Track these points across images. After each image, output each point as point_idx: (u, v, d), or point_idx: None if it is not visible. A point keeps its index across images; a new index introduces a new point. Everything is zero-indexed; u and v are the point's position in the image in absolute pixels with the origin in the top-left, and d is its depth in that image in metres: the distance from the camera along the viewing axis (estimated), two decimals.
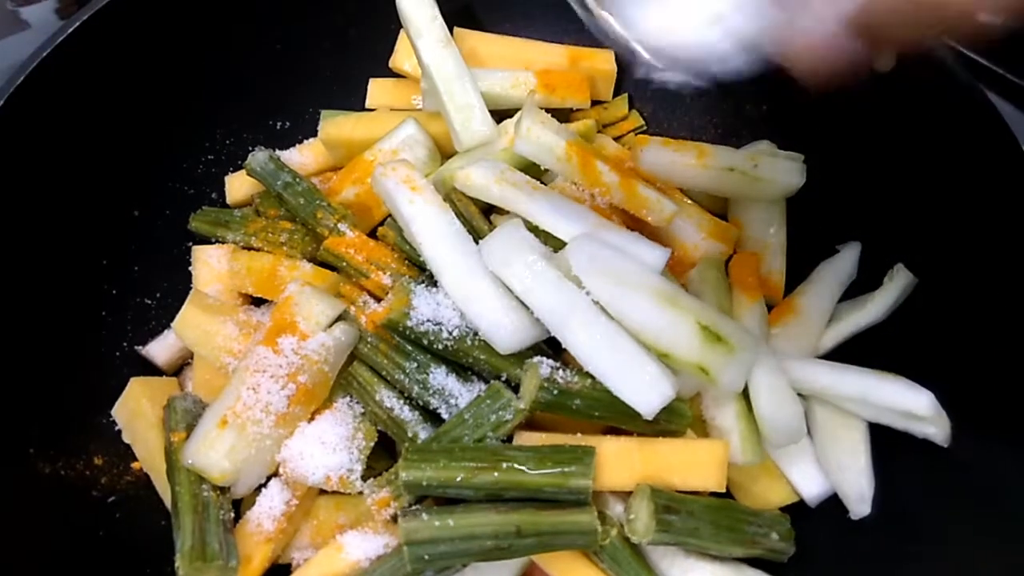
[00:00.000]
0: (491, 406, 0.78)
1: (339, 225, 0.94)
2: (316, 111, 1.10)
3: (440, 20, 0.97)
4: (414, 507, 0.76)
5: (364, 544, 0.81)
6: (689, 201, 1.01)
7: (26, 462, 0.84)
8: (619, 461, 0.78)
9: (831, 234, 0.97)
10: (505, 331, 0.78)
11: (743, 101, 1.07)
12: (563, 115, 1.05)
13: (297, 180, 0.97)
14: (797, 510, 0.87)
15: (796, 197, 0.97)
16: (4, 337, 0.85)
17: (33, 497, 0.83)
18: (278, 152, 1.03)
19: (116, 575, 0.84)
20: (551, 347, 0.83)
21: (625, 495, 0.81)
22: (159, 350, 0.98)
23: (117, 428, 0.92)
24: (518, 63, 1.07)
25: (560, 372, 0.78)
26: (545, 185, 0.93)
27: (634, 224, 0.93)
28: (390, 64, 1.10)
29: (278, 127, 1.12)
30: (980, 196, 0.82)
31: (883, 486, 0.85)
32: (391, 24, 1.02)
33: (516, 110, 0.96)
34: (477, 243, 0.82)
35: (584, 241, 0.78)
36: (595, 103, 1.12)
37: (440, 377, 0.83)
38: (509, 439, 0.80)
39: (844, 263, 0.95)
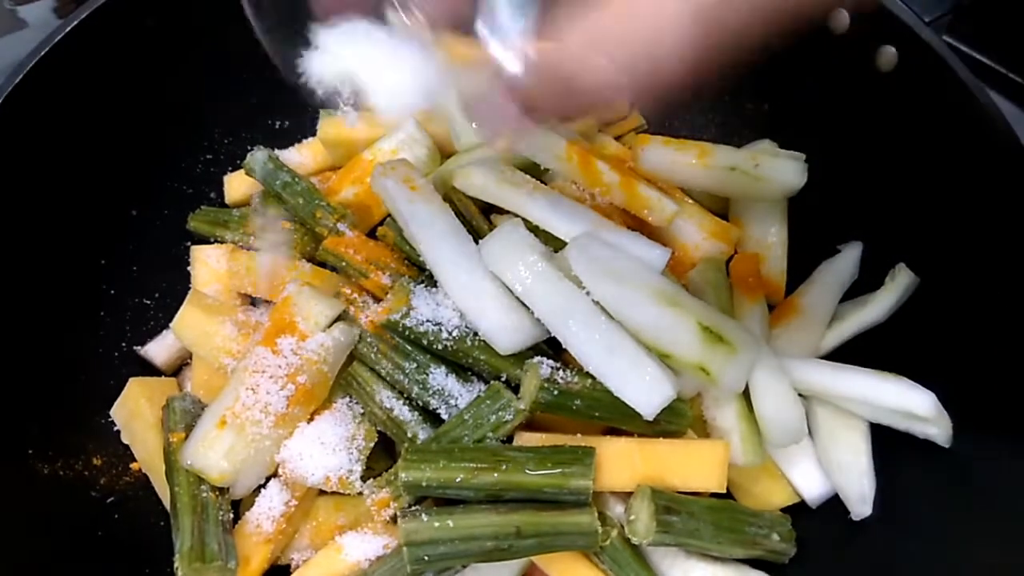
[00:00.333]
0: (491, 406, 0.78)
1: (338, 225, 0.93)
2: (315, 110, 1.10)
3: None
4: (414, 508, 0.76)
5: (364, 545, 0.81)
6: (690, 201, 1.01)
7: (24, 462, 0.83)
8: (619, 462, 0.78)
9: (832, 234, 0.97)
10: (505, 331, 0.78)
11: (744, 100, 1.07)
12: None
13: (296, 180, 0.97)
14: (798, 511, 0.87)
15: (797, 197, 0.97)
16: (2, 337, 0.85)
17: (31, 497, 0.83)
18: (277, 151, 1.03)
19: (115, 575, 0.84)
20: (551, 347, 0.83)
21: (625, 496, 0.80)
22: (158, 350, 0.98)
23: (116, 428, 0.92)
24: None
25: (560, 372, 0.78)
26: (545, 185, 0.93)
27: (635, 224, 0.93)
28: None
29: (277, 126, 1.12)
30: (982, 196, 0.81)
31: (884, 487, 0.85)
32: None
33: None
34: (477, 243, 0.82)
35: (584, 241, 0.78)
36: None
37: (440, 377, 0.83)
38: (509, 440, 0.80)
39: (846, 263, 0.95)
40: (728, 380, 0.77)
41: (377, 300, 0.91)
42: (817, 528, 0.86)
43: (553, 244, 0.84)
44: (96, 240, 0.96)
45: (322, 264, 0.94)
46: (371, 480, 0.83)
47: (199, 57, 1.01)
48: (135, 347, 0.98)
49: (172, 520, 0.80)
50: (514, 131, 0.58)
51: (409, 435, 0.82)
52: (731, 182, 0.96)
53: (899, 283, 0.89)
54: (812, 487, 0.88)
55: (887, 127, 0.90)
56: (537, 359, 0.79)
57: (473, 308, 0.80)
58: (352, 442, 0.83)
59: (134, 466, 0.91)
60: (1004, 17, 1.14)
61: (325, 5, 0.60)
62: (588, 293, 0.76)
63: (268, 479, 0.84)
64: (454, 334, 0.81)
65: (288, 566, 0.85)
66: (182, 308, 0.91)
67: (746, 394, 0.83)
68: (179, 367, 1.00)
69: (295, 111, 1.12)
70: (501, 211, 0.93)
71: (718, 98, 1.10)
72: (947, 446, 0.80)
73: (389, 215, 0.92)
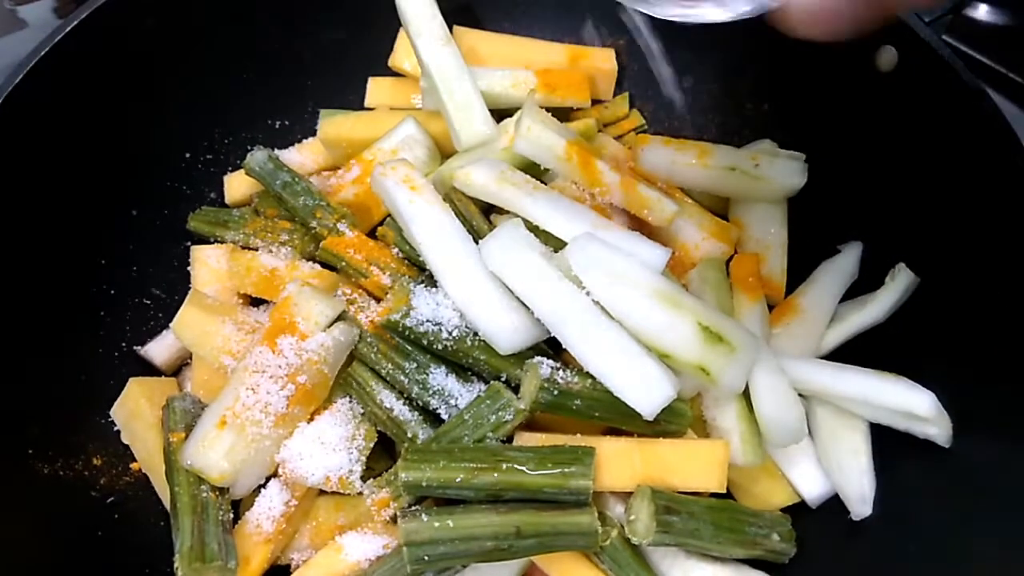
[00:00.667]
0: (491, 406, 0.78)
1: (338, 225, 0.93)
2: (315, 110, 1.10)
3: (440, 18, 0.96)
4: (414, 508, 0.76)
5: (364, 545, 0.81)
6: (690, 201, 1.01)
7: (25, 462, 0.83)
8: (619, 462, 0.78)
9: (832, 234, 0.97)
10: (505, 331, 0.78)
11: (744, 100, 1.07)
12: (563, 114, 1.05)
13: (296, 179, 0.97)
14: (798, 511, 0.87)
15: (797, 197, 0.97)
16: (2, 337, 0.85)
17: (32, 497, 0.83)
18: (277, 151, 1.03)
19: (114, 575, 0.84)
20: (551, 347, 0.83)
21: (625, 496, 0.80)
22: (158, 350, 0.98)
23: (116, 428, 0.92)
24: (518, 62, 1.06)
25: (560, 372, 0.78)
26: (545, 185, 0.93)
27: (635, 224, 0.93)
28: (389, 63, 1.09)
29: (277, 126, 1.12)
30: (982, 196, 0.81)
31: (884, 487, 0.85)
32: (390, 22, 1.01)
33: (516, 109, 0.96)
34: (477, 243, 0.82)
35: (584, 241, 0.78)
36: (595, 102, 1.12)
37: (440, 377, 0.83)
38: (509, 440, 0.80)
39: (846, 263, 0.95)
40: (728, 380, 0.77)
41: (377, 300, 0.91)
42: (817, 528, 0.86)
43: (553, 244, 0.84)
44: (96, 240, 0.96)
45: (322, 264, 0.94)
46: (371, 480, 0.83)
47: (199, 57, 1.01)
48: (135, 347, 0.98)
49: (172, 520, 0.80)
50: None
51: (409, 435, 0.82)
52: (731, 182, 0.96)
53: (899, 283, 0.89)
54: (812, 487, 0.88)
55: (887, 127, 0.90)
56: (537, 359, 0.79)
57: (473, 308, 0.80)
58: (352, 442, 0.83)
59: (134, 466, 0.91)
60: (1004, 16, 1.14)
61: None
62: (588, 293, 0.76)
63: (268, 479, 0.84)
64: (454, 334, 0.81)
65: (288, 566, 0.85)
66: (182, 308, 0.91)
67: (746, 394, 0.83)
68: (179, 367, 1.00)
69: (295, 111, 1.12)
70: (501, 211, 0.93)
71: (718, 98, 1.10)
72: (947, 446, 0.80)
73: (389, 215, 0.92)
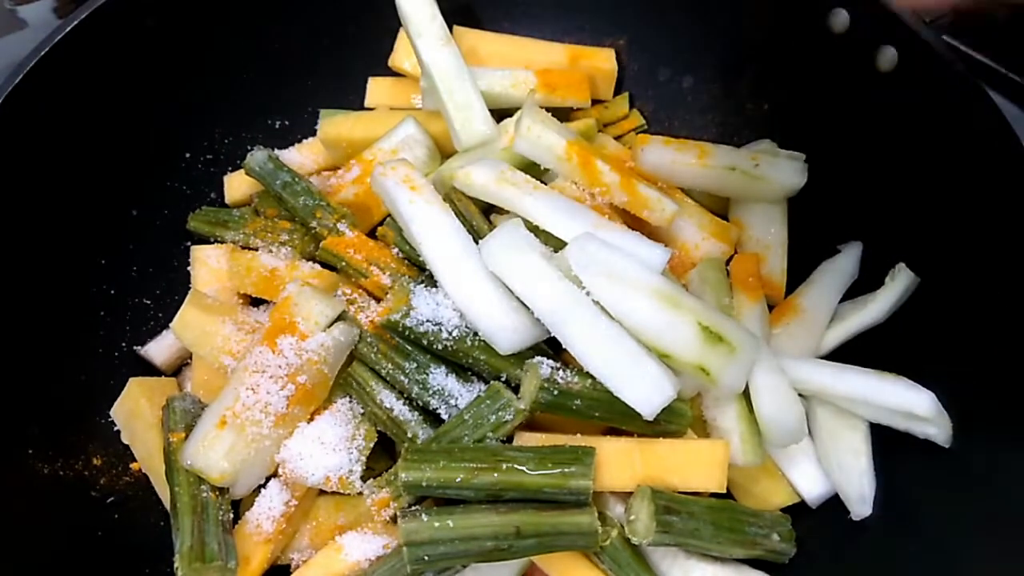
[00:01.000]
0: (491, 406, 0.78)
1: (338, 225, 0.93)
2: (315, 110, 1.10)
3: (440, 18, 0.96)
4: (414, 508, 0.76)
5: (364, 545, 0.81)
6: (690, 201, 1.01)
7: (25, 463, 0.83)
8: (619, 462, 0.78)
9: (832, 234, 0.97)
10: (505, 331, 0.78)
11: (744, 100, 1.07)
12: (563, 114, 1.05)
13: (296, 179, 0.97)
14: (798, 511, 0.87)
15: (797, 197, 0.97)
16: (2, 337, 0.85)
17: (32, 497, 0.83)
18: (277, 151, 1.03)
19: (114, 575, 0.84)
20: (551, 347, 0.83)
21: (625, 496, 0.81)
22: (158, 350, 0.98)
23: (116, 428, 0.92)
24: (518, 62, 1.06)
25: (560, 372, 0.78)
26: (545, 185, 0.93)
27: (635, 224, 0.93)
28: (389, 63, 1.10)
29: (277, 126, 1.12)
30: (982, 196, 0.82)
31: (884, 487, 0.85)
32: (390, 23, 1.01)
33: (516, 109, 0.96)
34: (477, 243, 0.82)
35: (584, 241, 0.78)
36: (595, 102, 1.12)
37: (440, 377, 0.83)
38: (509, 440, 0.80)
39: (845, 263, 0.95)
40: (728, 380, 0.77)
41: (377, 300, 0.91)
42: (817, 528, 0.87)
43: (553, 244, 0.84)
44: (96, 240, 0.96)
45: (322, 264, 0.94)
46: (371, 480, 0.83)
47: (199, 57, 1.01)
48: (135, 347, 0.98)
49: (172, 520, 0.80)
50: None
51: (409, 435, 0.82)
52: (731, 182, 0.96)
53: (899, 283, 0.89)
54: (812, 487, 0.88)
55: (887, 127, 0.90)
56: (537, 359, 0.79)
57: (473, 308, 0.80)
58: (352, 442, 0.83)
59: (134, 466, 0.91)
60: (1004, 16, 1.14)
61: None
62: (588, 293, 0.76)
63: (268, 479, 0.84)
64: (454, 334, 0.81)
65: (288, 566, 0.85)
66: (182, 308, 0.91)
67: (746, 394, 0.83)
68: (179, 367, 1.00)
69: (295, 111, 1.12)
70: (501, 211, 0.93)
71: (718, 98, 1.10)
72: (947, 446, 0.80)
73: (389, 215, 0.92)
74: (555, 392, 0.76)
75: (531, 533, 0.72)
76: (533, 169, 0.94)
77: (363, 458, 0.83)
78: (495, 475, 0.73)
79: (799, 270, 0.98)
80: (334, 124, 1.04)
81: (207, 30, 1.01)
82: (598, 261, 0.77)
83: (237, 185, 1.06)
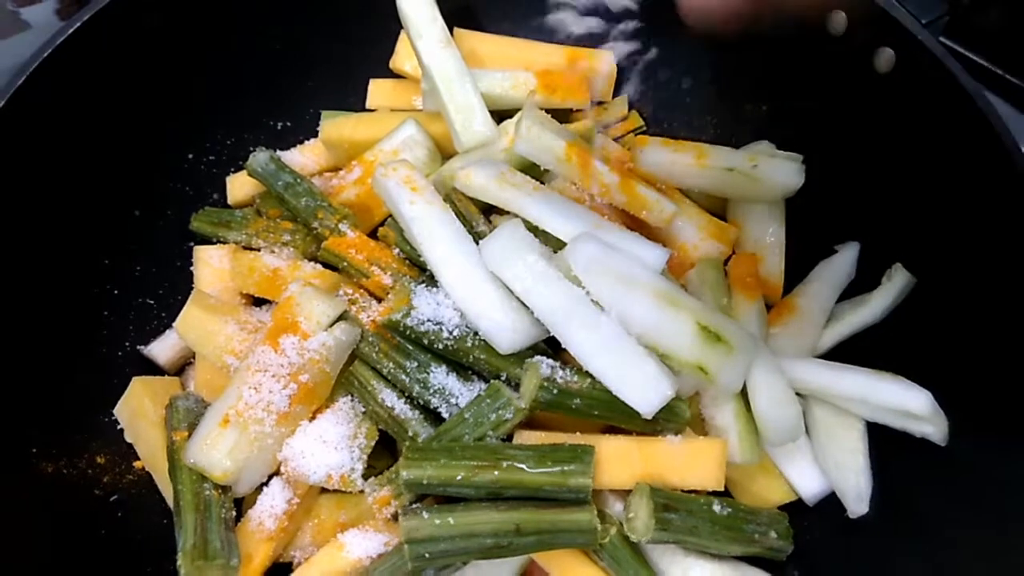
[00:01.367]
0: (491, 405, 0.79)
1: (340, 225, 0.94)
2: (317, 111, 1.11)
3: (440, 20, 0.97)
4: (415, 505, 0.77)
5: (365, 542, 0.81)
6: (688, 201, 1.02)
7: (28, 462, 0.84)
8: (618, 460, 0.79)
9: (830, 234, 0.98)
10: (505, 331, 0.79)
11: (742, 101, 1.07)
12: (563, 115, 1.05)
13: (298, 180, 0.98)
14: (795, 509, 0.88)
15: (795, 197, 0.97)
16: (6, 337, 0.85)
17: (35, 496, 0.84)
18: (279, 152, 1.04)
19: (118, 574, 0.84)
20: (551, 347, 0.84)
21: (624, 494, 0.81)
22: (161, 350, 0.98)
23: (119, 427, 0.92)
24: (518, 63, 1.07)
25: (560, 372, 0.78)
26: (545, 185, 0.93)
27: (634, 224, 0.93)
28: (390, 65, 1.10)
29: (279, 127, 1.12)
30: (979, 197, 0.82)
31: (881, 485, 0.85)
32: (391, 25, 1.02)
33: (516, 110, 0.96)
34: (477, 243, 0.83)
35: (584, 241, 0.78)
36: (595, 103, 1.12)
37: (440, 376, 0.83)
38: (509, 438, 0.81)
39: (843, 263, 0.95)
40: (726, 379, 0.77)
41: (378, 300, 0.91)
42: (814, 526, 0.87)
43: (553, 244, 0.85)
44: (99, 240, 0.96)
45: (324, 264, 0.95)
46: (372, 478, 0.83)
47: (201, 58, 1.01)
48: (138, 347, 0.99)
49: (175, 518, 0.80)
50: None
51: (410, 433, 0.83)
52: (729, 183, 0.96)
53: (895, 283, 0.89)
54: (809, 485, 0.88)
55: (884, 128, 0.90)
56: (537, 358, 0.79)
57: (473, 308, 0.80)
58: (354, 440, 0.83)
59: (137, 465, 0.91)
60: (1000, 18, 1.14)
61: None
62: (588, 293, 0.77)
63: (270, 477, 0.84)
64: (455, 333, 0.81)
65: (290, 564, 0.86)
66: (185, 308, 0.91)
67: (744, 393, 0.83)
68: (182, 366, 1.00)
69: (297, 112, 1.12)
70: (501, 211, 0.93)
71: (716, 99, 1.10)
72: (943, 444, 0.81)
73: (390, 216, 0.93)
74: (555, 391, 0.76)
75: (531, 531, 0.73)
76: (533, 170, 0.94)
77: (364, 456, 0.83)
78: (495, 473, 0.73)
79: (797, 270, 0.98)
80: (335, 125, 1.05)
81: (209, 32, 1.01)
82: (597, 261, 0.77)
83: (239, 186, 1.07)
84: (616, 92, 1.14)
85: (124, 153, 0.98)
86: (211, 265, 1.00)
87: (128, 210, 1.00)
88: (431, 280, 0.86)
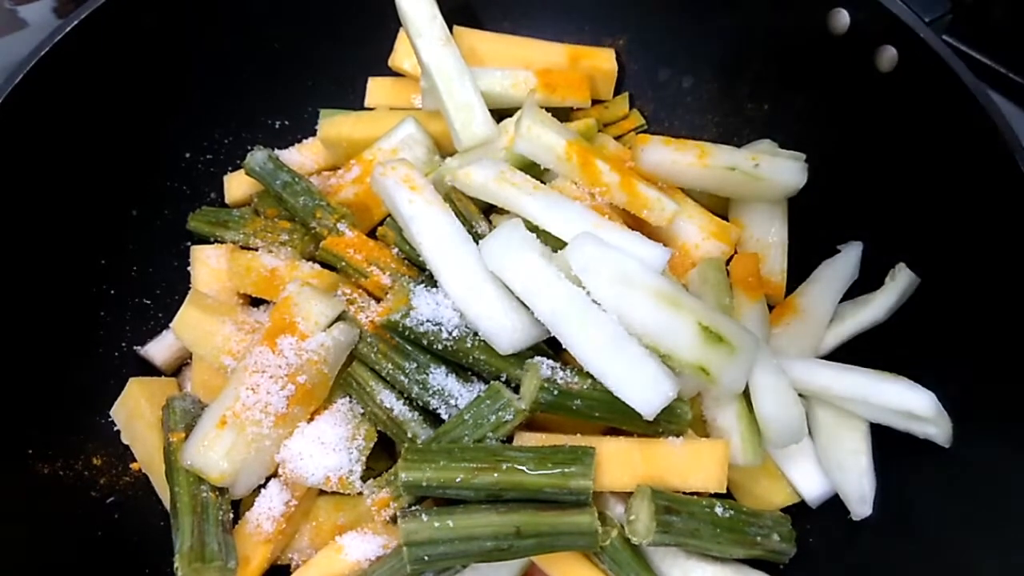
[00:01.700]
0: (491, 406, 0.78)
1: (338, 225, 0.93)
2: (315, 110, 1.10)
3: (440, 19, 0.96)
4: (414, 508, 0.76)
5: (363, 545, 0.81)
6: (690, 201, 1.01)
7: (24, 463, 0.84)
8: (619, 462, 0.78)
9: (832, 234, 0.97)
10: (505, 331, 0.78)
11: (744, 100, 1.07)
12: (563, 114, 1.05)
13: (296, 179, 0.97)
14: (798, 511, 0.87)
15: (797, 196, 0.97)
16: (2, 337, 0.85)
17: (31, 498, 0.83)
18: (277, 151, 1.03)
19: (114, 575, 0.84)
20: (551, 347, 0.83)
21: (625, 496, 0.81)
22: (158, 350, 0.98)
23: (116, 429, 0.92)
24: (518, 62, 1.06)
25: (560, 372, 0.78)
26: (545, 185, 0.93)
27: (635, 224, 0.92)
28: (389, 63, 1.10)
29: (277, 126, 1.12)
30: (982, 195, 0.82)
31: (884, 487, 0.85)
32: (390, 23, 1.02)
33: (516, 109, 0.96)
34: (477, 243, 0.82)
35: (584, 241, 0.78)
36: (595, 102, 1.12)
37: (440, 377, 0.83)
38: (509, 440, 0.80)
39: (845, 263, 0.95)
40: (728, 380, 0.77)
41: (377, 300, 0.91)
42: (817, 528, 0.87)
43: (553, 244, 0.84)
44: (96, 240, 0.96)
45: (322, 264, 0.94)
46: (371, 480, 0.83)
47: (199, 57, 1.01)
48: (135, 347, 0.98)
49: (172, 520, 0.80)
50: None
51: (409, 435, 0.82)
52: (731, 182, 0.96)
53: (899, 283, 0.89)
54: (812, 487, 0.88)
55: (887, 127, 0.90)
56: (537, 359, 0.79)
57: (473, 308, 0.80)
58: (352, 442, 0.83)
59: (134, 466, 0.91)
60: (1004, 17, 1.14)
61: None
62: (588, 293, 0.76)
63: (268, 479, 0.84)
64: (454, 334, 0.81)
65: (288, 566, 0.85)
66: (182, 308, 0.91)
67: (746, 394, 0.83)
68: (179, 367, 1.00)
69: (295, 111, 1.12)
70: (501, 211, 0.93)
71: (718, 98, 1.10)
72: (947, 446, 0.80)
73: (389, 215, 0.92)
74: (555, 392, 0.76)
75: (531, 533, 0.72)
76: (533, 169, 0.94)
77: (363, 458, 0.83)
78: (495, 475, 0.73)
79: (799, 270, 0.98)
80: (334, 124, 1.04)
81: (207, 30, 1.01)
82: (598, 261, 0.77)
83: (237, 185, 1.06)
84: (617, 90, 1.13)
85: (121, 152, 0.97)
86: (208, 265, 1.00)
87: (125, 209, 1.00)
88: (430, 280, 0.85)
